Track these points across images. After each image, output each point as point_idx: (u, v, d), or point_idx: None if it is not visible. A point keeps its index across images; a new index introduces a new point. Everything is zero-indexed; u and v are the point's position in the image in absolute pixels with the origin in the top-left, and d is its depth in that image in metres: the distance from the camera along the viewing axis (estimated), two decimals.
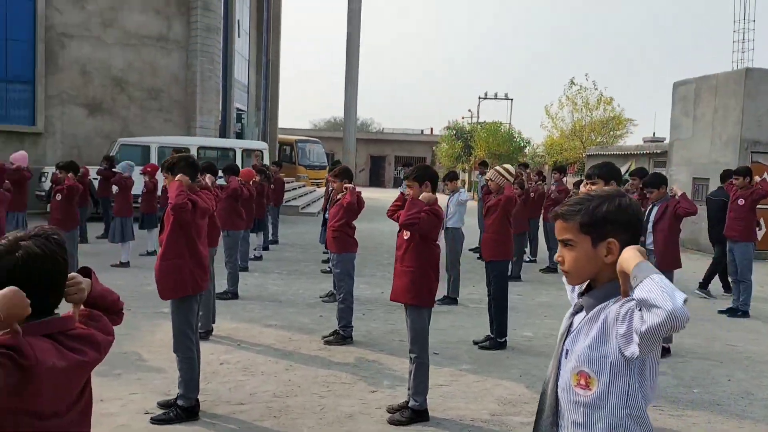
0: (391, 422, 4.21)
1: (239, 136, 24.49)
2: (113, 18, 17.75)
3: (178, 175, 4.22)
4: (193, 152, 16.21)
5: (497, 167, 6.67)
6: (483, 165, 14.66)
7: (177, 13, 18.85)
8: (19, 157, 9.62)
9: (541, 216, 11.51)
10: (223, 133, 22.44)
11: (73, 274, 1.69)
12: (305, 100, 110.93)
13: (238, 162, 16.72)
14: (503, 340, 6.15)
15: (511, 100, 45.53)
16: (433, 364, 5.25)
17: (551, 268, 10.67)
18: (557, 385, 1.74)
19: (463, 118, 43.98)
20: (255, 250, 10.89)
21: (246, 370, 5.20)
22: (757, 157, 13.41)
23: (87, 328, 1.68)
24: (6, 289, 1.46)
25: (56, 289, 1.61)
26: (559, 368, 1.74)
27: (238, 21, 24.24)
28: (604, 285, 1.71)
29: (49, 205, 9.86)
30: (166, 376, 4.87)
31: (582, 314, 1.74)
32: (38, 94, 16.68)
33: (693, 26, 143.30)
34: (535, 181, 12.01)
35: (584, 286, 1.80)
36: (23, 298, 1.48)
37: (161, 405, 4.28)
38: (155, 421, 4.07)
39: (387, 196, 35.47)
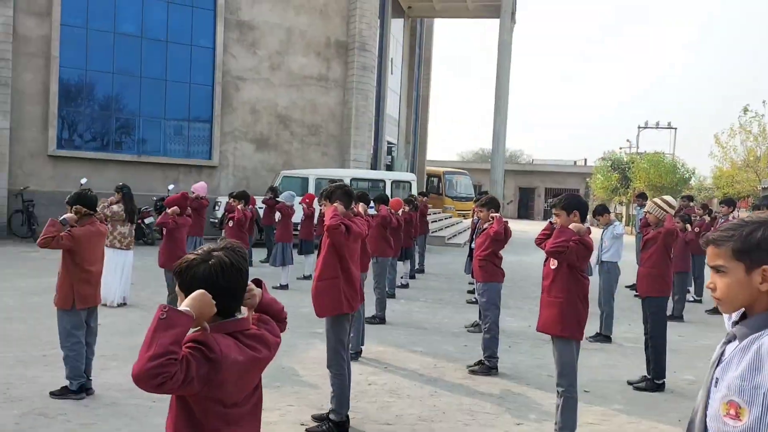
0: None
1: (389, 168, 25.37)
2: (280, 61, 19.35)
3: (335, 203, 4.57)
4: (347, 183, 17.10)
5: (656, 199, 6.38)
6: (641, 197, 13.96)
7: (336, 54, 20.14)
8: (199, 187, 10.73)
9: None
10: (375, 165, 23.39)
11: (248, 283, 1.97)
12: (453, 133, 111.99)
13: (388, 192, 17.34)
14: (661, 382, 5.81)
15: (675, 129, 42.97)
16: (582, 402, 5.11)
17: (718, 310, 9.85)
18: (706, 413, 1.70)
19: (621, 148, 42.07)
20: (402, 278, 11.20)
21: (392, 393, 5.39)
22: None
23: (259, 329, 1.94)
24: (196, 292, 1.76)
25: (238, 294, 1.89)
26: (708, 397, 1.71)
27: (392, 59, 25.32)
28: (760, 314, 1.66)
29: (223, 231, 10.89)
30: (320, 392, 5.18)
31: (734, 343, 1.70)
32: (215, 131, 18.52)
33: None
34: (700, 215, 11.22)
35: (739, 314, 1.75)
36: (210, 300, 1.77)
37: (315, 418, 4.57)
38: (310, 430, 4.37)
39: (536, 228, 34.69)
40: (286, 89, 19.45)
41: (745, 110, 22.77)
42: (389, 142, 26.45)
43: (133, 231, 8.54)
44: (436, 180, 32.87)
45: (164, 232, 7.48)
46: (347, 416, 4.46)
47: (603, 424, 4.89)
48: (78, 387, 4.89)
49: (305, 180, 16.98)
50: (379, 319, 8.17)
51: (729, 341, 1.74)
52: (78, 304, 4.91)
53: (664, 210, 6.07)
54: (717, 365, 1.72)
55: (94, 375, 5.14)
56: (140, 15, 17.53)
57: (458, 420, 4.80)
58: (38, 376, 5.31)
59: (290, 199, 11.20)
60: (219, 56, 18.36)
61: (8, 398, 4.79)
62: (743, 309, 1.73)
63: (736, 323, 1.75)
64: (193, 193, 10.53)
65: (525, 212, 48.93)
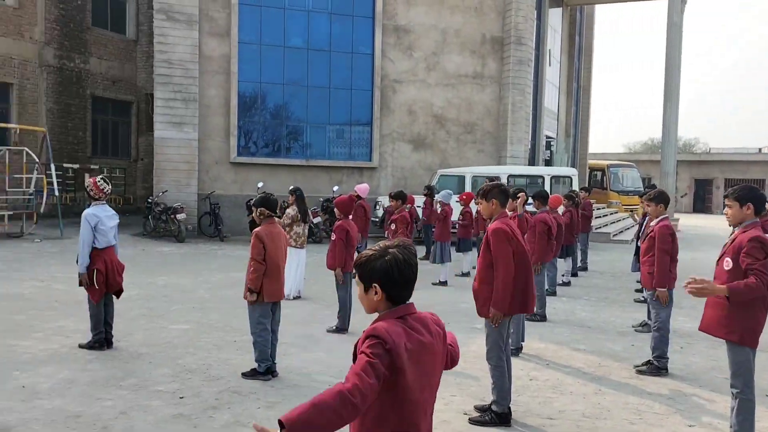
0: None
1: (548, 163, 24.75)
2: (436, 62, 19.70)
3: (491, 201, 4.63)
4: (503, 180, 17.01)
5: None
6: None
7: (491, 51, 20.09)
8: (362, 188, 11.32)
9: None
10: (533, 161, 22.97)
11: None
12: (619, 123, 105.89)
13: (547, 189, 16.99)
14: None
15: None
16: (764, 406, 4.79)
17: None
18: None
19: None
20: (563, 275, 10.98)
21: (555, 389, 5.40)
22: None
23: (423, 314, 2.16)
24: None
25: (409, 285, 2.11)
26: None
27: (550, 51, 24.67)
28: None
29: (386, 232, 11.38)
30: (481, 384, 5.33)
31: None
32: (374, 134, 19.32)
33: None
34: None
35: None
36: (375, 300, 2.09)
37: (478, 408, 4.73)
38: (473, 421, 4.54)
39: (713, 223, 31.87)
40: (442, 89, 19.76)
41: None
42: (548, 137, 25.79)
43: (306, 230, 9.23)
44: (599, 174, 31.42)
45: (334, 235, 7.79)
46: (509, 408, 4.57)
47: None
48: (265, 369, 5.48)
49: (461, 178, 17.16)
50: (540, 316, 8.13)
51: None
52: (266, 299, 5.49)
53: None
54: None
55: (277, 360, 5.72)
56: (306, 28, 18.78)
57: (624, 419, 4.71)
58: (231, 359, 6.01)
59: (447, 197, 11.40)
60: (378, 61, 19.11)
61: (208, 377, 5.49)
62: None
63: None
64: (356, 193, 11.10)
65: (701, 206, 45.16)
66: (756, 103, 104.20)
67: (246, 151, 18.77)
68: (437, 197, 12.01)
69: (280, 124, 19.09)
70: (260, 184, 16.45)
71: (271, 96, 18.90)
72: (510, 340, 6.17)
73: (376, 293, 2.08)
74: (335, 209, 7.48)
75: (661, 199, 6.04)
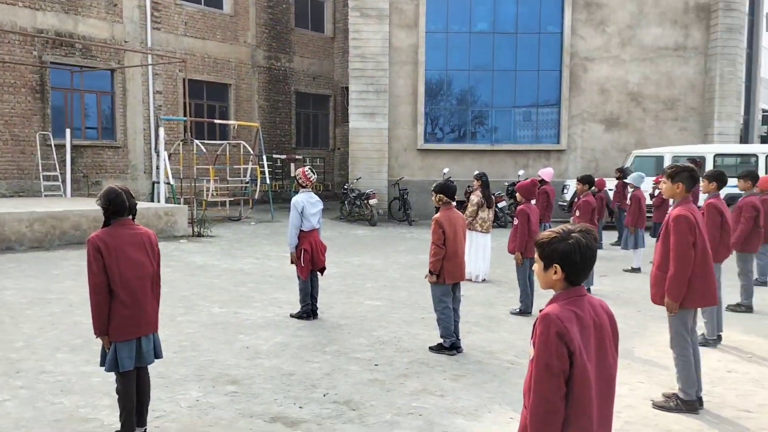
0: None
1: (764, 140, 22.18)
2: (631, 36, 18.58)
3: (677, 184, 4.42)
4: (709, 160, 15.66)
5: None
6: None
7: (695, 19, 18.46)
8: (546, 172, 11.19)
9: None
10: (746, 139, 20.75)
11: None
12: None
13: (762, 168, 15.33)
14: None
15: None
16: None
17: None
18: None
19: None
20: None
21: (756, 382, 5.07)
22: None
23: (592, 299, 2.27)
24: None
25: (587, 270, 2.23)
26: None
27: (767, 14, 21.99)
28: None
29: (571, 217, 11.17)
30: (670, 373, 5.15)
31: None
32: (563, 115, 18.80)
33: None
34: None
35: None
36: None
37: (665, 396, 4.63)
38: (656, 406, 4.47)
39: None
40: (638, 64, 18.60)
41: None
42: (765, 111, 23.11)
43: (492, 215, 9.41)
44: None
45: (516, 220, 7.86)
46: (699, 398, 4.42)
47: None
48: (450, 344, 5.83)
49: (659, 159, 16.09)
50: (745, 307, 7.53)
51: None
52: (447, 280, 5.83)
53: None
54: None
55: (462, 337, 6.04)
56: (492, 12, 18.78)
57: None
58: (419, 334, 6.45)
59: (639, 180, 10.85)
60: (567, 39, 18.53)
61: (399, 349, 5.98)
62: None
63: None
64: (539, 177, 11.00)
65: None
66: None
67: (432, 137, 19.35)
68: (628, 180, 11.47)
69: (465, 110, 19.38)
70: (446, 170, 16.91)
71: (457, 82, 19.23)
72: (705, 331, 5.90)
73: (555, 273, 2.22)
74: (516, 194, 7.58)
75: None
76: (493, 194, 10.69)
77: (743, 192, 7.83)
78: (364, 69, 18.24)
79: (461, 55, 18.92)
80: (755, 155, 16.14)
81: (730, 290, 7.53)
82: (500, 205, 16.42)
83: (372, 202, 16.79)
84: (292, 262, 7.03)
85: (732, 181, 7.85)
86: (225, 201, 17.82)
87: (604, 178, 13.73)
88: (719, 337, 6.14)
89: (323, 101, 24.92)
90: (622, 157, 17.82)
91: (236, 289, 8.58)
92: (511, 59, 18.87)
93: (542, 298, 6.93)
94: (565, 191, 16.88)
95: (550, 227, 11.22)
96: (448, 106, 19.42)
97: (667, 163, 15.81)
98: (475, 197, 9.25)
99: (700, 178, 5.39)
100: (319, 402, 4.62)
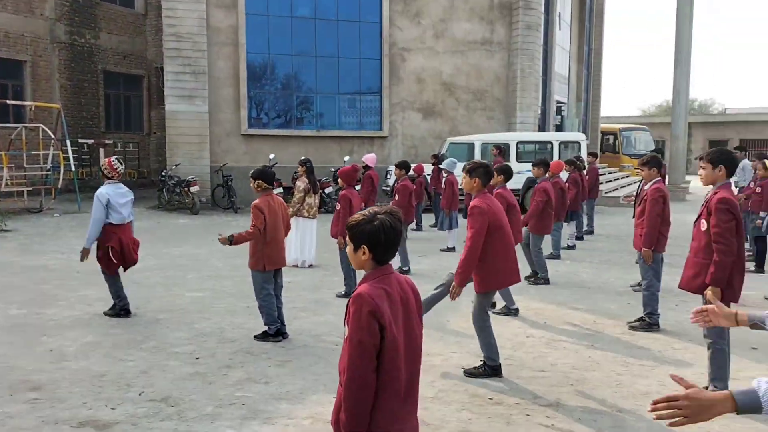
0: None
1: (559, 128, 24.70)
2: (444, 29, 19.66)
3: (474, 179, 4.79)
4: (512, 147, 17.11)
5: None
6: None
7: (499, 16, 19.99)
8: (369, 158, 11.50)
9: None
10: (543, 127, 22.96)
11: None
12: (633, 86, 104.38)
13: (555, 154, 17.06)
14: None
15: None
16: (748, 359, 5.06)
17: None
18: None
19: None
20: (568, 239, 11.19)
21: (549, 344, 5.68)
22: None
23: (398, 276, 2.42)
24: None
25: (393, 249, 2.35)
26: None
27: (559, 14, 24.44)
28: None
29: (390, 201, 11.64)
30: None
31: None
32: (384, 103, 19.43)
33: None
34: None
35: None
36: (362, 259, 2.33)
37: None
38: (467, 373, 4.85)
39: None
40: (450, 56, 19.75)
41: None
42: (558, 102, 25.69)
43: (318, 201, 9.46)
44: (611, 138, 31.24)
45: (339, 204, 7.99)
46: (500, 364, 4.87)
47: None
48: (275, 331, 5.81)
49: (471, 146, 17.26)
50: (543, 279, 8.38)
51: None
52: (267, 266, 5.79)
53: None
54: None
55: (288, 323, 6.04)
56: None
57: (611, 370, 4.99)
58: (244, 323, 6.35)
59: (452, 166, 11.56)
60: (385, 29, 19.12)
61: (222, 340, 5.84)
62: None
63: None
64: (364, 163, 11.29)
65: None
66: None
67: (258, 122, 19.00)
68: (443, 165, 12.17)
69: (290, 95, 19.27)
70: (271, 156, 16.72)
71: (281, 67, 19.04)
72: (505, 303, 6.49)
73: (364, 253, 2.31)
74: (339, 179, 7.71)
75: (654, 163, 6.20)
76: (319, 180, 10.79)
77: (537, 179, 8.71)
78: (180, 49, 17.35)
79: (284, 40, 18.74)
80: (550, 142, 17.93)
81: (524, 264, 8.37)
82: (327, 190, 16.60)
83: (193, 189, 16.12)
84: (82, 260, 6.49)
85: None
86: (22, 191, 16.03)
87: (423, 164, 14.44)
88: (517, 309, 6.76)
89: (136, 82, 23.32)
90: (438, 144, 18.86)
91: (38, 288, 7.79)
92: (333, 46, 19.07)
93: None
94: (389, 176, 17.48)
95: None
96: (273, 91, 19.17)
97: (477, 149, 17.04)
98: (301, 183, 9.25)
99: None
100: (134, 401, 4.38)
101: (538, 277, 8.39)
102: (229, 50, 18.07)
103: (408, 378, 2.33)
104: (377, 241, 2.29)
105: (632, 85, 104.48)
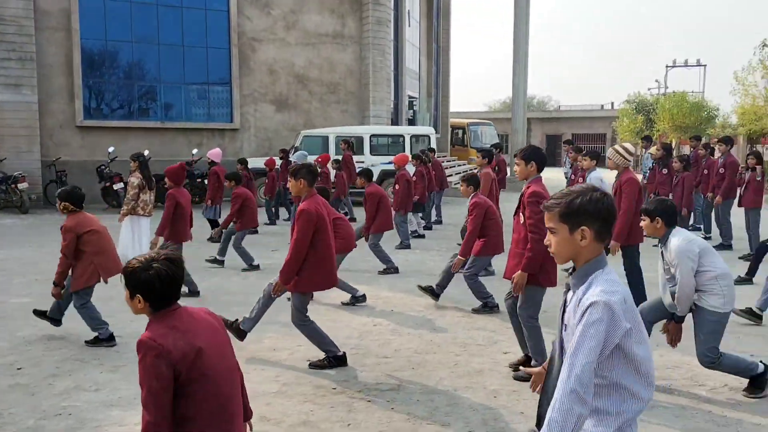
0: (516, 378, 4.58)
1: (411, 122, 25.49)
2: (295, 20, 19.50)
3: (300, 180, 4.76)
4: (366, 140, 17.37)
5: (615, 146, 6.43)
6: (646, 140, 13.79)
7: (350, 10, 20.17)
8: (215, 153, 11.11)
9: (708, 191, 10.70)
10: (396, 121, 23.56)
11: None
12: (480, 83, 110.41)
13: (407, 147, 17.56)
14: None
15: (704, 66, 41.83)
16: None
17: (725, 245, 10.04)
18: (562, 350, 2.08)
19: (649, 89, 41.30)
20: (415, 231, 11.60)
21: (394, 332, 5.84)
22: None
23: (192, 310, 2.35)
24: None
25: (172, 296, 2.26)
26: (562, 340, 2.08)
27: (408, 11, 25.16)
28: (581, 267, 2.06)
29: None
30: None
31: (571, 292, 2.08)
32: (234, 94, 18.91)
33: None
34: (703, 156, 11.24)
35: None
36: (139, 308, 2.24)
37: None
38: (312, 366, 4.85)
39: (557, 175, 34.50)
40: (303, 48, 19.64)
41: (764, 45, 22.11)
42: (410, 96, 26.49)
43: (153, 197, 8.90)
44: (460, 132, 32.80)
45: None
46: (344, 353, 4.92)
47: None
48: (107, 336, 5.44)
49: (325, 138, 17.29)
50: (393, 269, 8.59)
51: (567, 290, 2.11)
52: (104, 276, 5.43)
53: (623, 157, 6.19)
54: (563, 312, 2.11)
55: (122, 326, 5.68)
56: None
57: (450, 351, 5.23)
58: (74, 328, 5.86)
59: (302, 158, 11.53)
60: (234, 18, 18.59)
61: (48, 348, 5.38)
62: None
63: (570, 275, 2.11)
64: (209, 158, 10.89)
65: (552, 160, 48.52)
66: (602, 62, 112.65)
67: (97, 113, 17.72)
68: (292, 158, 12.10)
69: (131, 85, 18.16)
70: (111, 149, 15.69)
71: (121, 54, 17.88)
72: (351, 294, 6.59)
73: (139, 302, 2.23)
74: (165, 178, 7.33)
75: (471, 181, 6.66)
76: (158, 174, 10.26)
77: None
78: (3, 33, 15.71)
79: (123, 26, 17.60)
80: (402, 136, 18.42)
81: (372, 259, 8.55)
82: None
83: (22, 186, 14.70)
84: None
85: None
86: None
87: (274, 158, 14.26)
88: (364, 296, 6.87)
89: None
90: (292, 137, 18.70)
91: None
92: (177, 34, 18.22)
93: (209, 276, 6.90)
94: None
95: (220, 209, 11.27)
96: (113, 80, 17.95)
97: (332, 142, 17.09)
98: (135, 179, 8.64)
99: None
100: None
101: (388, 267, 8.60)
102: (61, 36, 16.65)
103: (230, 397, 2.30)
104: (151, 290, 2.21)
105: (479, 83, 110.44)
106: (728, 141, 10.59)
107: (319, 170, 4.96)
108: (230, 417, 2.29)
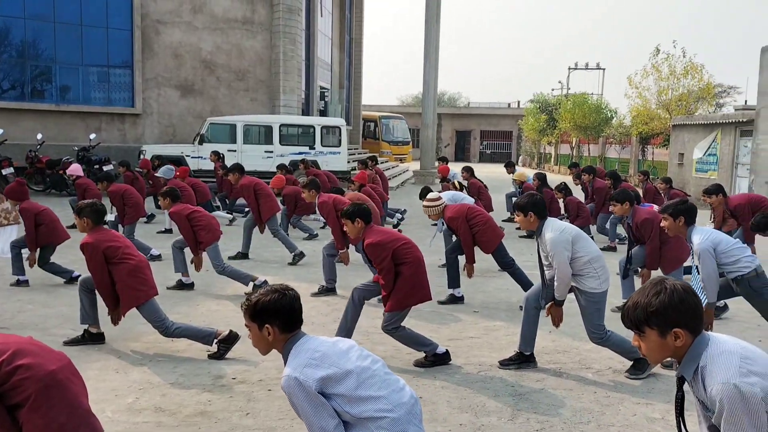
0: (416, 364, 4.69)
1: (323, 113, 25.34)
2: (202, 4, 18.87)
3: (84, 218, 4.77)
4: (275, 129, 17.10)
5: (423, 204, 6.66)
6: (509, 166, 13.34)
7: None
8: (74, 169, 10.39)
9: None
10: (307, 111, 23.35)
11: None
12: (393, 77, 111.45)
13: (317, 138, 17.45)
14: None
15: (603, 70, 44.14)
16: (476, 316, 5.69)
17: None
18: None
19: (552, 90, 43.13)
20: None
21: None
22: None
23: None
24: None
25: None
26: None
27: (321, 1, 24.96)
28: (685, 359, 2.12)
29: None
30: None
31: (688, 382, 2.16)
32: (136, 77, 18.09)
33: None
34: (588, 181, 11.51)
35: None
36: None
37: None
38: (211, 356, 4.75)
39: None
40: (210, 33, 19.06)
41: (657, 51, 23.67)
42: (322, 87, 26.31)
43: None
44: (372, 125, 33.01)
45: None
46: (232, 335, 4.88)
47: (483, 337, 5.47)
48: None
49: (233, 127, 16.88)
50: (299, 256, 8.54)
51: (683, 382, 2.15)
52: None
53: (433, 207, 6.47)
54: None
55: (11, 316, 5.34)
56: None
57: (355, 339, 5.26)
58: None
59: (168, 173, 11.08)
60: None
61: None
62: None
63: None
64: (72, 176, 10.22)
65: (462, 155, 49.79)
66: (510, 62, 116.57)
67: None
68: (159, 173, 11.48)
69: (24, 64, 17.00)
70: (0, 131, 14.62)
71: (12, 32, 16.70)
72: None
73: None
74: (6, 198, 6.96)
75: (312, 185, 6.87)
76: (62, 159, 9.65)
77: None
78: None
79: (14, 1, 16.42)
80: (313, 126, 18.28)
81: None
82: (69, 171, 14.98)
83: None
84: None
85: None
86: None
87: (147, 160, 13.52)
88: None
89: None
90: (198, 123, 18.14)
91: None
92: (75, 12, 17.22)
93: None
94: (143, 155, 16.25)
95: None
96: (4, 58, 16.74)
97: (239, 130, 16.69)
98: None
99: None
100: None
101: (295, 256, 8.55)
102: None
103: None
104: None
105: (392, 76, 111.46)
106: (591, 171, 11.47)
107: (105, 209, 4.95)
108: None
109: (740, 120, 16.97)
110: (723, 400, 1.90)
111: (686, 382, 2.11)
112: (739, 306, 6.00)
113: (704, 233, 4.70)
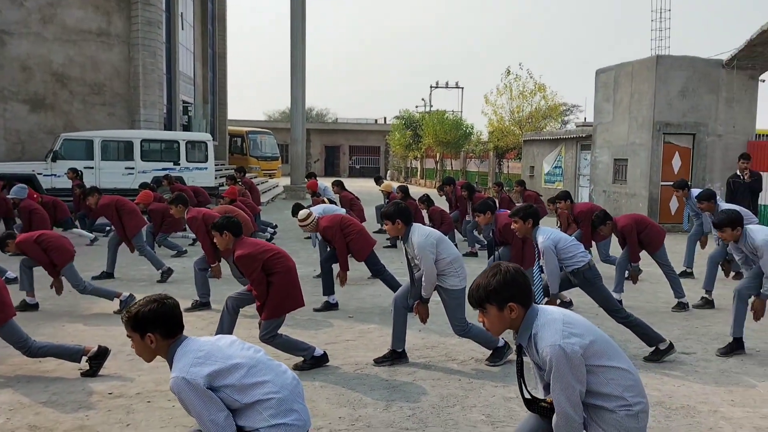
0: (295, 368, 4.88)
1: (186, 128, 24.65)
2: (53, 14, 17.84)
3: None
4: (137, 145, 16.49)
5: (298, 223, 7.06)
6: (377, 181, 14.51)
7: (117, 8, 19.02)
8: (17, 191, 9.57)
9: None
10: (170, 126, 22.63)
11: None
12: (260, 92, 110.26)
13: (182, 152, 17.03)
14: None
15: (462, 88, 46.65)
16: (353, 320, 5.97)
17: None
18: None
19: (416, 107, 44.85)
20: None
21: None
22: (668, 138, 14.46)
23: None
24: None
25: None
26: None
27: (182, 14, 24.37)
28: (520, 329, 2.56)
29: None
30: None
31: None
32: None
33: (620, 15, 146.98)
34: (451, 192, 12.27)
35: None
36: None
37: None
38: (83, 374, 4.64)
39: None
40: (62, 45, 18.05)
41: (508, 72, 25.69)
42: (185, 102, 25.61)
43: None
44: (239, 140, 32.50)
45: None
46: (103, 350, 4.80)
47: (358, 339, 5.77)
48: None
49: (90, 142, 16.05)
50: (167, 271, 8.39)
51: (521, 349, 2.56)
52: None
53: (306, 224, 6.90)
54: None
55: None
56: None
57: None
58: None
59: (21, 193, 10.30)
60: None
61: None
62: None
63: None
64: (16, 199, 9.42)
65: (332, 170, 50.26)
66: (376, 79, 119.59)
67: None
68: (11, 195, 10.57)
69: None
70: None
71: None
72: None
73: None
74: None
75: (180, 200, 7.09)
76: None
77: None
78: None
79: None
80: (177, 141, 17.80)
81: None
82: None
83: None
84: None
85: None
86: None
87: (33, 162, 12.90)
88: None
89: None
90: (50, 140, 17.06)
91: None
92: None
93: None
94: None
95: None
96: None
97: (97, 146, 15.90)
98: None
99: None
100: None
101: (163, 273, 8.38)
102: None
103: None
104: None
105: (259, 91, 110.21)
106: (451, 182, 12.27)
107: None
108: None
109: (580, 135, 18.83)
110: (551, 360, 2.34)
111: (523, 349, 2.53)
112: (580, 299, 6.78)
113: (547, 233, 5.34)
